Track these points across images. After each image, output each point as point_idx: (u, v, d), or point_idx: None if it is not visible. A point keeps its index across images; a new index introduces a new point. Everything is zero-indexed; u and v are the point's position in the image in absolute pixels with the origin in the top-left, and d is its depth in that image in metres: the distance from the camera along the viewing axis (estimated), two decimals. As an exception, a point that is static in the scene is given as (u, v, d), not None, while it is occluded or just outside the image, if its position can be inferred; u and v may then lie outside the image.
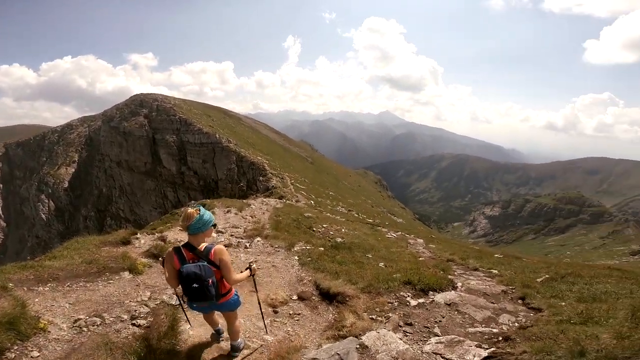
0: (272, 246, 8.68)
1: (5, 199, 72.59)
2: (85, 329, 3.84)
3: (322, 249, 8.89)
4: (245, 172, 38.14)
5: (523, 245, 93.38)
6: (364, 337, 3.87)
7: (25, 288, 4.56)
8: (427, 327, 4.50)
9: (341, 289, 5.56)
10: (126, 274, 5.58)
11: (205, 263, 3.02)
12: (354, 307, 5.03)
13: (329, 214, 20.85)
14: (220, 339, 4.07)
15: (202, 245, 3.11)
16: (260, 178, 34.79)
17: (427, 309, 5.09)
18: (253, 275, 3.71)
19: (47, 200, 62.09)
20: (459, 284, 6.58)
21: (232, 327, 3.73)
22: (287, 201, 23.36)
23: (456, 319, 4.80)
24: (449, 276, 7.19)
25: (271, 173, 35.44)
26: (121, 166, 54.47)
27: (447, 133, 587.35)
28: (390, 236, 15.82)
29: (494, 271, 8.85)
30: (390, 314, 4.83)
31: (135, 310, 4.38)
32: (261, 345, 4.15)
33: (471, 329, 4.45)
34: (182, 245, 3.15)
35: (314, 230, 13.20)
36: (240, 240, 9.34)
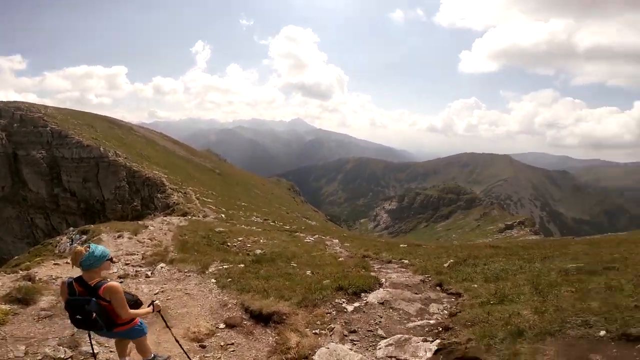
0: (180, 271, 7.54)
1: None
2: None
3: (242, 265, 8.17)
4: (139, 189, 33.87)
5: (418, 233, 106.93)
6: (315, 357, 3.62)
7: None
8: (371, 331, 4.43)
9: (274, 307, 5.07)
10: None
11: (93, 299, 3.00)
12: (294, 325, 4.62)
13: (243, 226, 19.79)
14: None
15: (95, 281, 3.10)
16: (158, 195, 31.16)
17: (364, 312, 5.03)
18: (159, 312, 3.62)
19: None
20: (383, 280, 6.84)
21: (141, 348, 3.69)
22: (193, 217, 21.29)
23: (393, 316, 4.84)
24: (372, 273, 7.44)
25: (171, 188, 31.96)
26: None
27: (350, 138, 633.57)
28: (308, 240, 15.85)
29: (406, 261, 9.60)
30: (332, 325, 4.60)
31: None
32: None
33: (410, 324, 4.53)
34: (75, 279, 3.13)
35: (228, 246, 12.28)
36: (139, 268, 7.88)
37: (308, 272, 7.56)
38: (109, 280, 3.13)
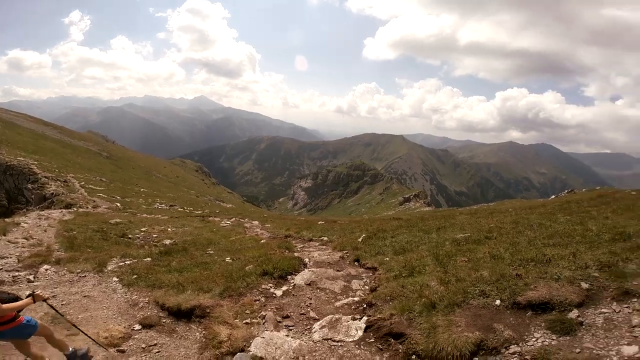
0: (71, 272, 6.40)
1: None
2: None
3: (148, 259, 7.40)
4: (1, 181, 26.95)
5: (333, 209, 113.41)
6: (252, 348, 3.49)
7: None
8: (304, 314, 4.49)
9: (194, 301, 4.69)
10: None
11: None
12: (221, 317, 4.35)
13: (145, 215, 17.69)
14: None
15: None
16: (29, 185, 25.25)
17: (293, 295, 5.05)
18: (45, 301, 3.48)
19: None
20: (307, 260, 6.96)
21: (55, 344, 3.61)
22: (81, 209, 18.07)
23: (321, 296, 4.97)
24: (295, 253, 7.51)
25: (45, 177, 26.14)
26: None
27: (263, 117, 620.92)
28: (225, 224, 15.14)
29: (325, 238, 10.04)
30: (263, 312, 4.48)
31: None
32: None
33: (338, 303, 4.72)
34: None
35: (130, 238, 10.91)
36: (16, 273, 6.33)
37: (228, 259, 7.24)
38: None
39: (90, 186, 26.37)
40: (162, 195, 32.38)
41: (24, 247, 8.27)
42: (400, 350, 3.36)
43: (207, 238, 10.39)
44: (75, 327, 3.86)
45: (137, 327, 4.47)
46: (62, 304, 5.00)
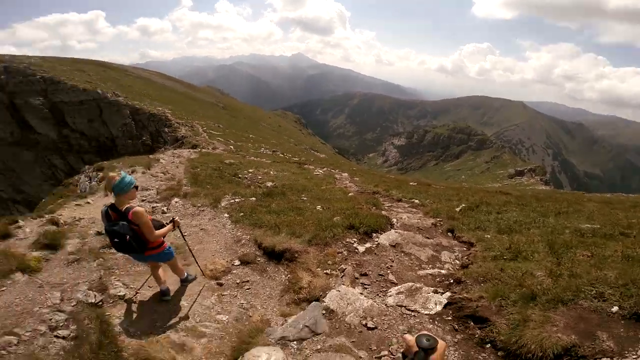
0: (194, 206, 7.50)
1: None
2: (3, 351, 3.02)
3: (253, 199, 8.04)
4: (146, 125, 33.69)
5: (428, 171, 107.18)
6: (326, 299, 3.62)
7: None
8: (382, 276, 4.43)
9: (286, 244, 5.04)
10: (19, 276, 4.25)
11: (125, 223, 3.36)
12: (306, 264, 4.63)
13: (253, 158, 19.68)
14: (164, 299, 4.14)
15: (124, 206, 3.43)
16: (166, 129, 31.05)
17: (375, 254, 5.00)
18: (179, 227, 4.08)
19: None
20: (394, 220, 6.72)
21: (175, 271, 4.29)
22: (203, 150, 21.21)
23: (404, 261, 4.84)
24: (382, 212, 7.35)
25: (177, 122, 31.80)
26: None
27: (355, 73, 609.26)
28: (317, 173, 15.78)
29: (416, 201, 9.49)
30: (343, 266, 4.59)
31: (51, 319, 3.45)
32: (217, 329, 3.62)
33: (421, 272, 4.54)
34: (109, 206, 3.48)
35: (239, 178, 12.19)
36: (155, 204, 7.80)
37: (318, 207, 7.48)
38: (135, 206, 3.48)
39: (210, 131, 30.70)
40: (266, 142, 35.60)
41: (161, 181, 10.21)
42: (476, 336, 3.13)
43: (302, 184, 10.88)
44: (193, 257, 4.64)
45: (237, 262, 5.02)
46: (184, 235, 5.97)
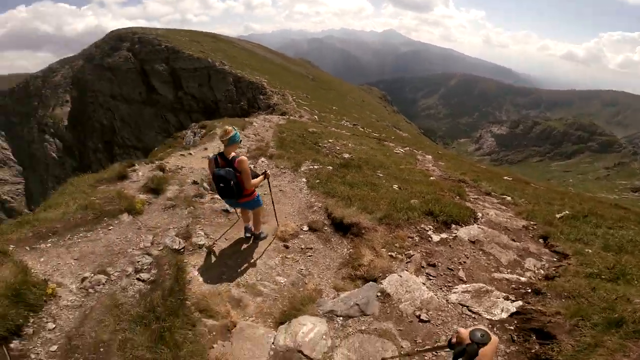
0: (277, 167, 7.94)
1: (13, 146, 73.60)
2: (92, 289, 3.58)
3: (330, 168, 8.16)
4: (245, 92, 37.30)
5: (527, 167, 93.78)
6: (384, 283, 3.51)
7: (27, 247, 4.15)
8: (451, 270, 4.10)
9: (355, 219, 4.97)
10: (125, 216, 4.97)
11: (231, 169, 3.91)
12: (371, 242, 4.53)
13: (334, 129, 19.87)
14: (248, 235, 4.83)
15: (231, 155, 4.00)
16: (261, 96, 33.77)
17: (450, 246, 4.62)
18: (268, 180, 4.65)
19: (52, 140, 64.09)
20: (479, 215, 6.06)
21: (255, 220, 4.78)
22: (290, 117, 22.24)
23: (481, 260, 4.40)
24: (467, 203, 6.72)
25: (271, 91, 34.15)
26: (116, 99, 54.58)
27: (456, 53, 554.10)
28: (397, 151, 15.17)
29: (508, 198, 8.41)
30: (411, 252, 4.36)
31: (139, 262, 4.02)
32: (273, 290, 3.88)
33: (497, 275, 4.07)
34: (218, 154, 4.09)
35: (319, 146, 12.45)
36: None
37: (395, 186, 7.19)
38: (241, 155, 4.05)
39: (299, 100, 32.07)
40: (348, 115, 35.61)
41: (252, 141, 11.11)
42: (532, 351, 2.80)
43: (379, 160, 10.61)
44: (274, 211, 5.06)
45: (305, 228, 5.16)
46: (264, 194, 6.10)
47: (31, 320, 3.15)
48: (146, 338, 2.91)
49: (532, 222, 6.05)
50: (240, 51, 55.79)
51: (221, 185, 3.87)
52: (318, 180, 6.92)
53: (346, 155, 10.90)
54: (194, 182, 6.45)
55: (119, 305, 3.35)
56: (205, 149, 10.21)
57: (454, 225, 5.23)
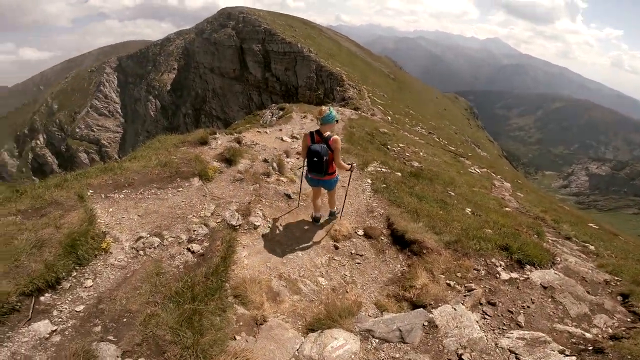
0: (344, 162, 8.00)
1: (123, 101, 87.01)
2: (142, 251, 3.64)
3: (399, 174, 7.75)
4: (324, 81, 38.10)
5: (618, 217, 79.88)
6: (435, 312, 3.25)
7: (102, 195, 4.41)
8: (511, 312, 3.69)
9: (420, 236, 4.60)
10: (196, 181, 5.16)
11: (325, 146, 4.19)
12: (431, 265, 4.18)
13: (406, 133, 19.16)
14: (316, 224, 5.00)
15: (327, 133, 4.27)
16: (338, 88, 34.14)
17: (518, 287, 4.15)
18: (352, 171, 4.85)
19: (154, 101, 75.08)
20: (558, 259, 5.43)
21: (331, 200, 5.11)
22: (362, 113, 21.99)
23: (547, 308, 3.90)
24: (544, 244, 6.02)
25: (348, 84, 34.16)
26: (213, 72, 60.14)
27: (570, 73, 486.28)
28: (473, 171, 14.08)
29: (591, 247, 7.34)
30: (473, 285, 3.98)
31: (195, 231, 4.10)
32: (312, 291, 3.75)
33: (560, 326, 3.59)
34: (315, 131, 4.33)
35: (388, 149, 12.10)
36: None
37: (467, 210, 6.65)
38: (335, 134, 4.29)
39: (374, 98, 31.53)
40: (424, 121, 33.98)
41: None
42: None
43: (451, 177, 10.00)
44: (341, 209, 5.24)
45: (360, 232, 4.91)
46: (341, 186, 6.02)
47: (74, 274, 3.15)
48: (174, 318, 2.77)
49: (615, 278, 5.22)
50: (328, 40, 56.64)
51: (314, 159, 4.15)
52: (384, 185, 6.60)
53: (415, 164, 10.44)
54: (265, 160, 6.66)
55: (161, 274, 3.33)
56: (280, 130, 10.64)
57: (528, 266, 4.69)
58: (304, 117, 13.36)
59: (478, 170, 14.58)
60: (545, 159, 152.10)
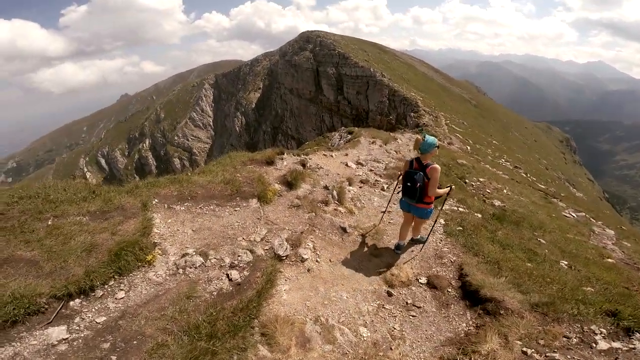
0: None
1: (215, 115, 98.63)
2: (181, 270, 3.61)
3: (479, 216, 6.71)
4: (396, 107, 37.23)
5: None
6: None
7: (166, 205, 4.56)
8: None
9: (500, 294, 3.81)
10: (254, 202, 5.14)
11: (421, 173, 4.15)
12: (507, 329, 3.40)
13: (487, 166, 17.27)
14: (397, 252, 4.85)
15: (426, 161, 4.25)
16: (412, 114, 33.00)
17: (617, 359, 3.13)
18: (448, 195, 4.57)
19: (240, 117, 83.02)
20: None
21: (417, 227, 4.99)
22: (439, 142, 20.57)
23: None
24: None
25: (424, 110, 32.70)
26: (292, 93, 64.51)
27: None
28: (568, 215, 11.88)
29: None
30: (557, 356, 3.09)
31: (239, 256, 4.01)
32: (349, 342, 3.27)
33: None
34: (415, 158, 4.36)
35: (466, 182, 10.96)
36: (379, 178, 8.03)
37: (563, 263, 5.49)
38: (435, 163, 4.19)
39: (452, 125, 29.54)
40: (510, 153, 30.57)
41: (392, 158, 10.66)
42: None
43: (541, 221, 8.52)
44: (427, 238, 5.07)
45: (423, 280, 4.34)
46: (389, 222, 5.65)
47: (110, 282, 3.15)
48: (182, 354, 2.60)
49: None
50: (401, 65, 56.17)
51: (408, 184, 4.19)
52: (460, 228, 5.73)
53: (497, 203, 9.22)
54: (325, 187, 6.46)
55: (192, 297, 3.22)
56: (346, 154, 10.40)
57: (637, 335, 3.52)
58: (372, 143, 12.98)
59: (574, 215, 12.26)
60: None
